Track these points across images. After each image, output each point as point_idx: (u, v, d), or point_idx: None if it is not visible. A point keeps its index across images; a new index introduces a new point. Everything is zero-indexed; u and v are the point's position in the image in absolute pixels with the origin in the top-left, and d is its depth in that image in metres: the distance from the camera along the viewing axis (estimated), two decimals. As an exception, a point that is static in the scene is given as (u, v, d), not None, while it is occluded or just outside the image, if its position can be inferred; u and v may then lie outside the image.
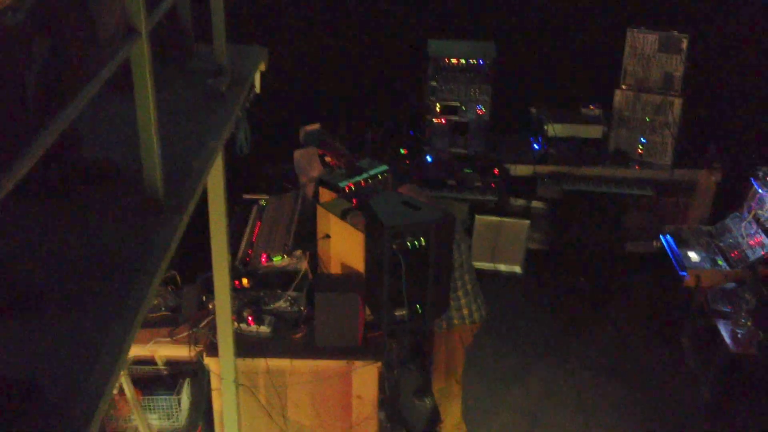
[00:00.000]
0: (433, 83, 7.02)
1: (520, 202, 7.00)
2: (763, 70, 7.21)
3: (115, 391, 4.47)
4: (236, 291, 4.50)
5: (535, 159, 7.12)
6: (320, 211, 4.78)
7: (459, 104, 7.04)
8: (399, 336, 4.83)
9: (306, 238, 5.00)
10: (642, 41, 6.81)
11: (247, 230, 5.19)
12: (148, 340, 4.48)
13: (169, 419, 4.82)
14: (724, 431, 5.42)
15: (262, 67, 4.05)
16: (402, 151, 7.04)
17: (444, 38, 7.11)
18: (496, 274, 6.82)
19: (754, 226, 5.87)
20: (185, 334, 4.52)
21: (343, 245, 4.61)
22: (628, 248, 7.13)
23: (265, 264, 4.84)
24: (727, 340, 5.24)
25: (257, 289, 4.65)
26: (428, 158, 7.07)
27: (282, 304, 4.61)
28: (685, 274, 5.83)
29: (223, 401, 4.46)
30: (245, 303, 4.58)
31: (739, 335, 5.23)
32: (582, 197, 6.94)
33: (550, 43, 7.96)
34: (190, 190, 2.79)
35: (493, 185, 6.88)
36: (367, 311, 4.48)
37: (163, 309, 4.67)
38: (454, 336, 4.96)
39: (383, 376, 4.61)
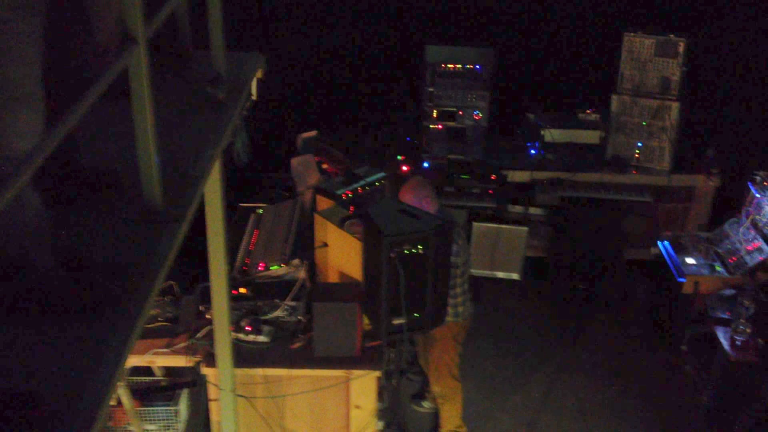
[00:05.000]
0: (431, 89, 7.00)
1: (518, 208, 6.97)
2: (761, 74, 7.20)
3: (112, 402, 4.44)
4: (234, 300, 4.47)
5: (532, 165, 7.10)
6: (318, 219, 4.76)
7: (456, 110, 7.02)
8: (397, 345, 4.80)
9: (304, 246, 4.98)
10: (639, 45, 6.80)
11: (245, 239, 5.17)
12: (146, 351, 4.45)
13: (167, 430, 4.79)
14: (724, 437, 5.41)
15: (259, 74, 4.03)
16: (399, 157, 7.01)
17: (441, 44, 7.09)
18: (495, 281, 6.80)
19: (752, 232, 5.84)
20: (183, 344, 4.50)
21: (341, 253, 4.58)
22: (627, 255, 7.10)
23: (263, 272, 4.81)
24: (726, 347, 5.21)
25: (255, 299, 4.62)
26: (426, 164, 7.05)
27: (280, 314, 4.59)
28: (683, 280, 5.79)
29: (221, 411, 4.43)
30: (243, 312, 4.56)
31: (737, 342, 5.20)
32: (580, 203, 6.91)
33: (547, 48, 7.96)
34: (189, 198, 2.76)
35: (490, 192, 6.84)
36: (365, 320, 4.46)
37: (161, 319, 4.64)
38: (446, 333, 4.93)
39: (382, 386, 4.58)
